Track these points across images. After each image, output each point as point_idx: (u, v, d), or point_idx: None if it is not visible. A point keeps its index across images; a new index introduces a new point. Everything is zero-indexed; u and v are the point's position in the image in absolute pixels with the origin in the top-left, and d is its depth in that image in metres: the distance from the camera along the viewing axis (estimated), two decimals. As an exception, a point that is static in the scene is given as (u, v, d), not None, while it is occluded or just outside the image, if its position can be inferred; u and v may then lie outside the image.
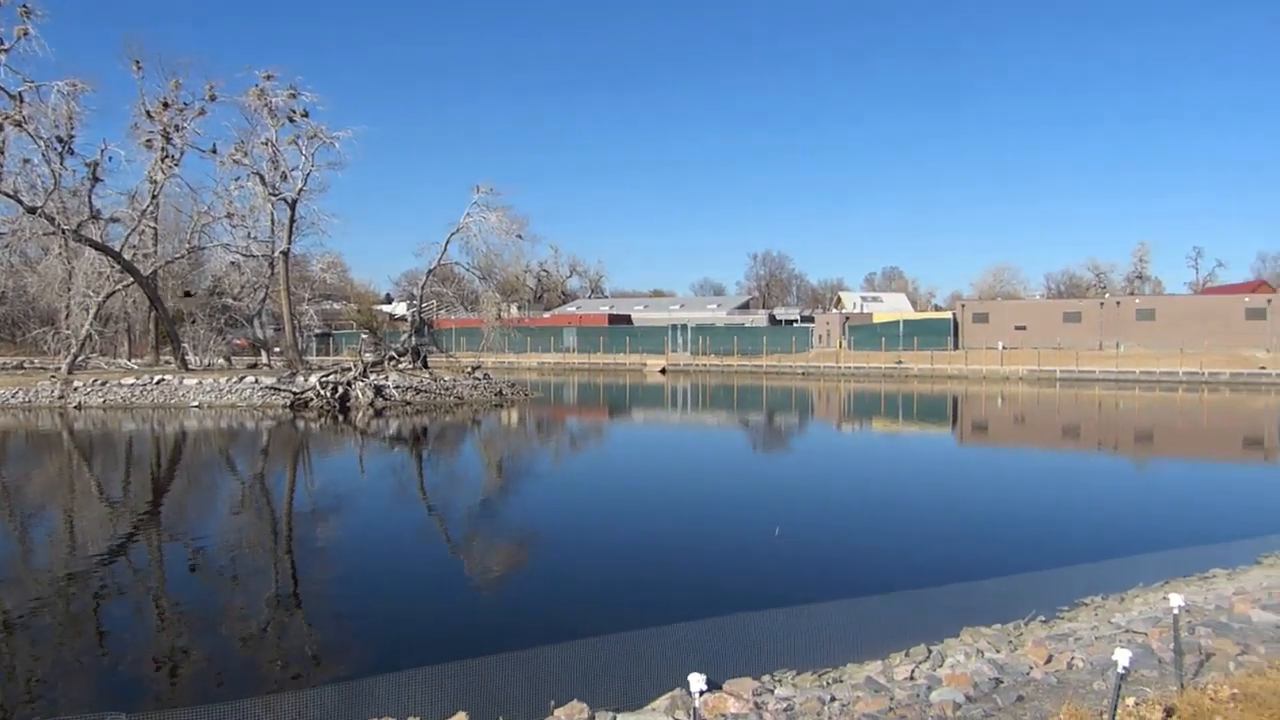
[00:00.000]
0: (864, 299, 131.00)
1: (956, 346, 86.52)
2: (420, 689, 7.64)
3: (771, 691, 7.97)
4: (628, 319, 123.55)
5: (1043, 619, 10.43)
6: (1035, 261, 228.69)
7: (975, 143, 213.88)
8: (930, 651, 9.18)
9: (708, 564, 13.91)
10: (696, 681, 6.00)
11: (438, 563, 14.76)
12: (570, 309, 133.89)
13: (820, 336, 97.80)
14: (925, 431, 38.52)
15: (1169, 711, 6.41)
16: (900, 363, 75.79)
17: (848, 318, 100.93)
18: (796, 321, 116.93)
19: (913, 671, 8.43)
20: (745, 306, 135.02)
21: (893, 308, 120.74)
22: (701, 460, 28.96)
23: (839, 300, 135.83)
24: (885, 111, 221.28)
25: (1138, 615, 10.03)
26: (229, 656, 9.93)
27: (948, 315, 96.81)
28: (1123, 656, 6.03)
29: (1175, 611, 7.44)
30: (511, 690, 7.82)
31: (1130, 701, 6.66)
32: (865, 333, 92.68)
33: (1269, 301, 78.06)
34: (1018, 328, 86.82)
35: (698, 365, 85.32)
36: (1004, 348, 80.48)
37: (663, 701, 7.68)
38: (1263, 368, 62.40)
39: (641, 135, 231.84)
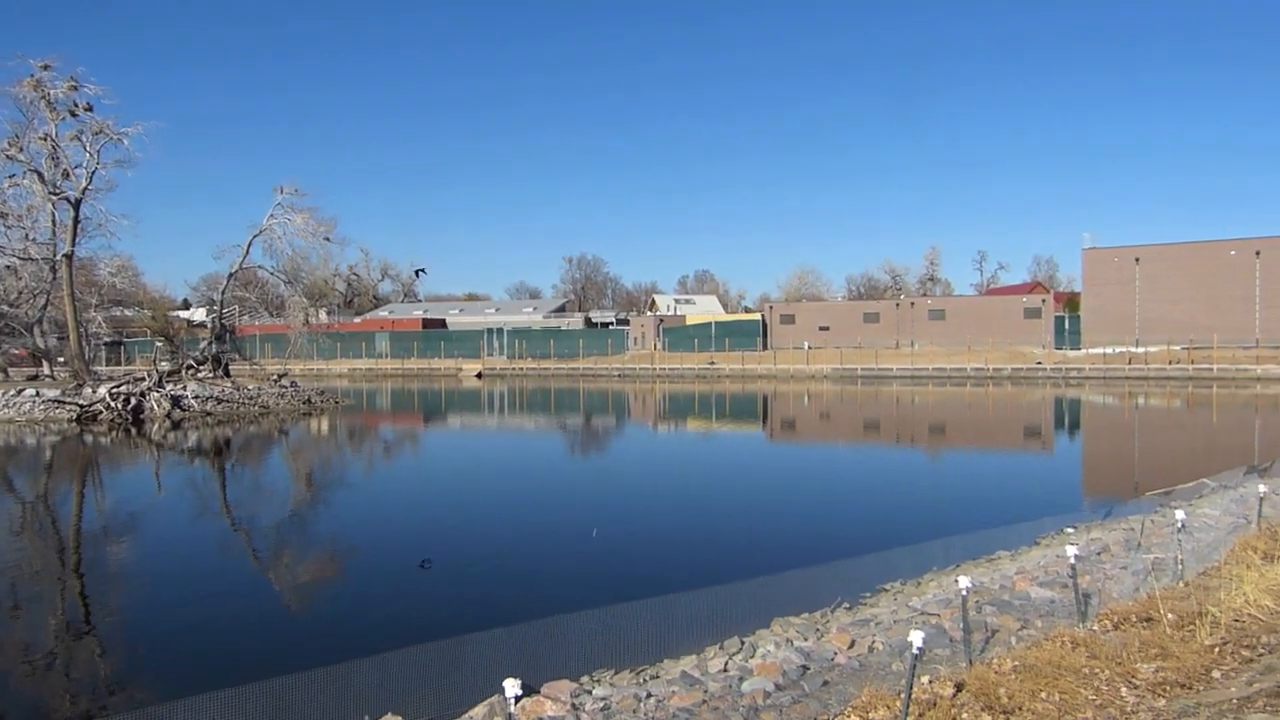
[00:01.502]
0: (677, 301, 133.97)
1: (766, 347, 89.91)
2: (224, 711, 7.27)
3: (589, 692, 8.05)
4: (443, 323, 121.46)
5: (847, 606, 11.01)
6: (837, 264, 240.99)
7: (780, 145, 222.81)
8: (743, 643, 9.51)
9: (525, 568, 13.93)
10: (512, 687, 5.99)
11: (242, 580, 14.08)
12: (383, 314, 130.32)
13: (635, 339, 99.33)
14: (736, 430, 39.84)
15: (959, 686, 6.92)
16: (713, 363, 78.07)
17: (662, 320, 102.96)
18: (612, 324, 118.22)
19: (726, 663, 8.72)
20: (561, 310, 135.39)
21: (705, 310, 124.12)
22: (518, 464, 28.90)
23: (653, 303, 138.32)
24: (693, 114, 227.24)
25: (932, 598, 10.76)
26: (11, 691, 9.14)
27: (757, 317, 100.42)
28: (917, 638, 6.46)
29: (964, 593, 8.02)
30: (322, 708, 7.55)
31: (925, 680, 7.14)
32: (679, 335, 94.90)
33: (1044, 302, 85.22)
34: (821, 328, 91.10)
35: (514, 369, 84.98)
36: (809, 347, 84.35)
37: (480, 710, 7.63)
38: (1039, 363, 68.27)
39: (452, 135, 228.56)
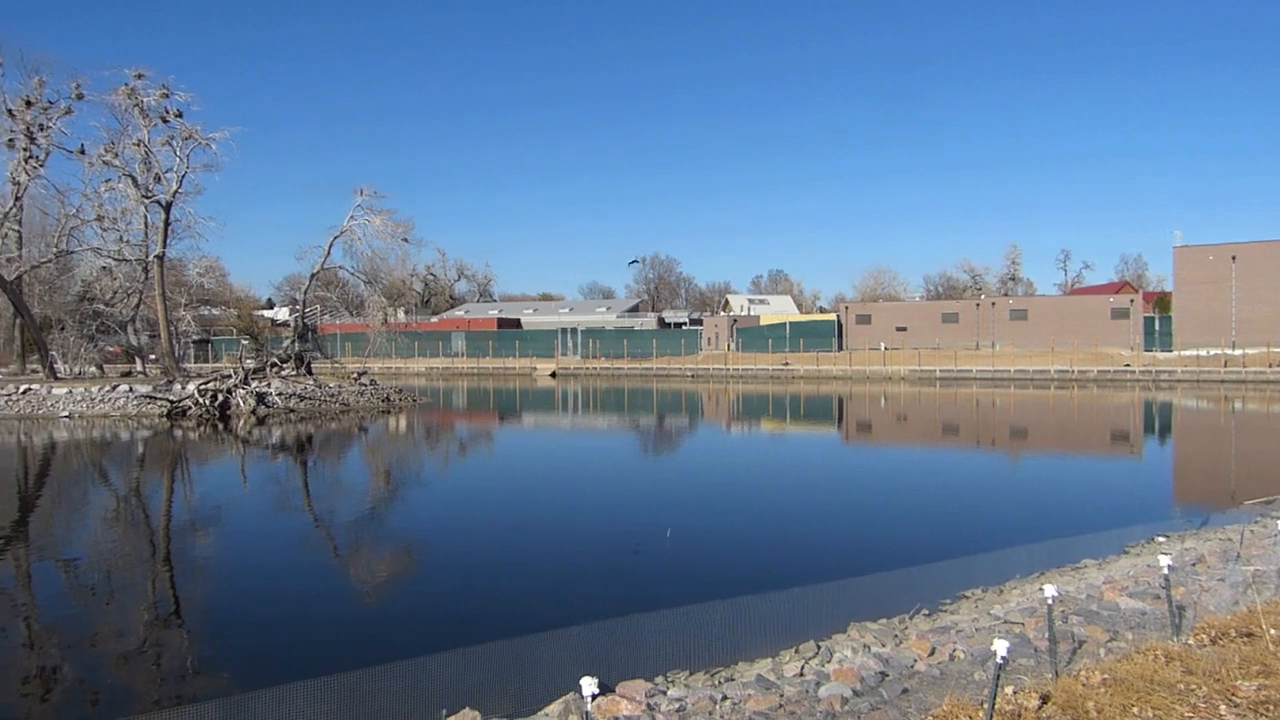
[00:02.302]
0: (751, 302, 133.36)
1: (841, 348, 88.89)
2: (306, 703, 7.42)
3: (664, 693, 8.01)
4: (517, 323, 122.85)
5: (926, 612, 10.78)
6: (914, 264, 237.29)
7: (856, 142, 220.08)
8: (819, 648, 9.37)
9: (599, 566, 13.93)
10: (588, 685, 5.99)
11: (323, 573, 14.38)
12: (458, 313, 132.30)
13: (709, 339, 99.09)
14: (811, 431, 39.44)
15: (1044, 698, 6.70)
16: (787, 364, 77.44)
17: (735, 320, 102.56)
18: (685, 324, 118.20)
19: (802, 668, 8.60)
20: (634, 310, 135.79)
21: (779, 310, 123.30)
22: (592, 463, 29.00)
23: (727, 303, 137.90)
24: (766, 111, 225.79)
25: (1015, 606, 10.47)
26: (104, 676, 9.47)
27: (832, 317, 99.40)
28: (1001, 647, 6.27)
29: (1049, 602, 7.77)
30: (402, 700, 7.67)
31: (1009, 690, 6.94)
32: (752, 335, 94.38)
33: (1131, 302, 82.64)
34: (899, 329, 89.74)
35: (587, 369, 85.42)
36: (886, 348, 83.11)
37: (555, 707, 7.65)
38: (1126, 365, 66.14)
39: (526, 135, 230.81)
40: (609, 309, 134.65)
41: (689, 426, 43.13)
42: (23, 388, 41.99)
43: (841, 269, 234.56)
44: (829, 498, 20.98)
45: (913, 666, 8.25)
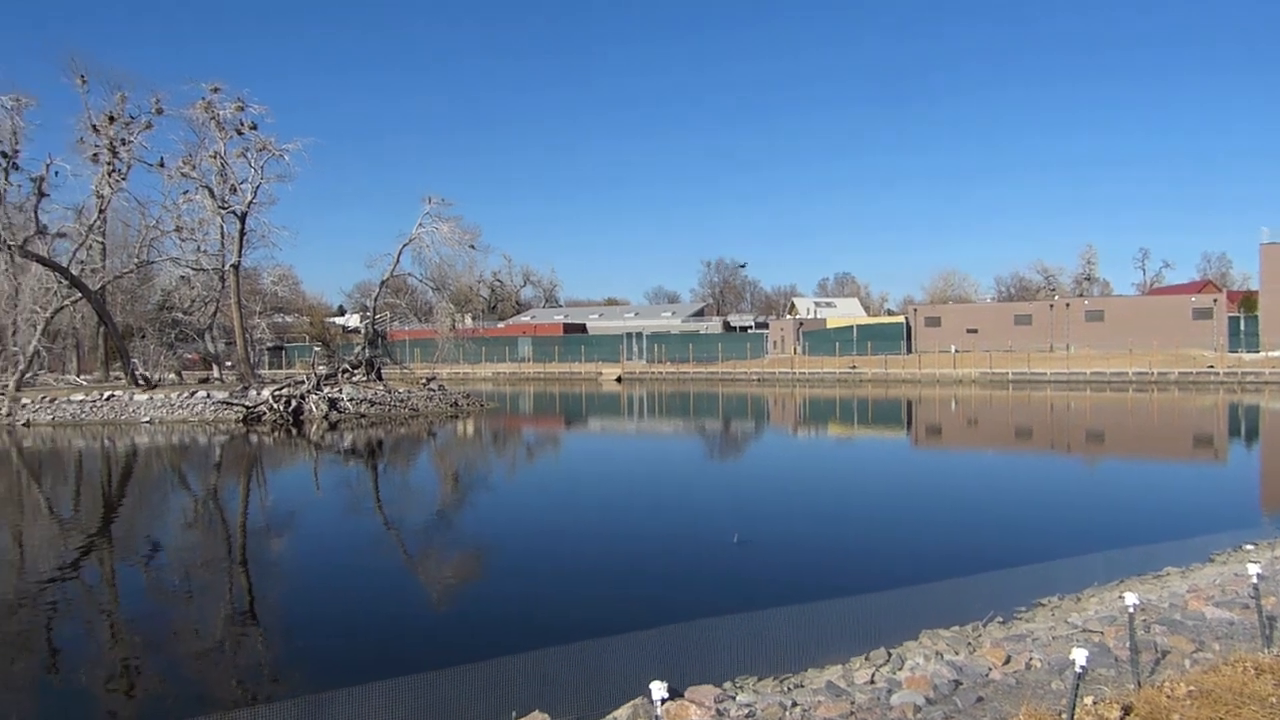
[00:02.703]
0: (817, 305, 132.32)
1: (909, 350, 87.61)
2: (379, 703, 7.54)
3: (733, 698, 7.95)
4: (583, 328, 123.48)
5: (1000, 620, 10.54)
6: (984, 265, 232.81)
7: (922, 145, 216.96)
8: (890, 655, 9.23)
9: (667, 571, 13.89)
10: (658, 690, 5.97)
11: (395, 575, 14.59)
12: (525, 319, 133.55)
13: (775, 343, 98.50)
14: (880, 436, 38.93)
15: (1126, 710, 6.50)
16: (854, 368, 76.56)
17: (801, 324, 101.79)
18: (751, 328, 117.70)
19: (873, 675, 8.47)
20: (700, 314, 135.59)
21: (846, 313, 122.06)
22: (658, 468, 28.97)
23: (792, 306, 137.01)
24: (831, 111, 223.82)
25: (1094, 614, 10.17)
26: (183, 674, 9.72)
27: (900, 320, 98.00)
28: (1080, 656, 6.10)
29: (1130, 610, 7.54)
30: (472, 702, 7.75)
31: (1088, 701, 6.74)
32: (819, 338, 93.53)
33: (1215, 301, 79.95)
34: (969, 331, 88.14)
35: (653, 373, 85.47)
36: (956, 351, 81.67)
37: (624, 711, 7.64)
38: (1210, 367, 63.91)
39: (590, 140, 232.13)
40: (674, 313, 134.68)
41: (755, 431, 42.89)
42: (106, 394, 43.45)
43: (910, 271, 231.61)
44: (898, 502, 20.66)
45: (987, 675, 8.07)
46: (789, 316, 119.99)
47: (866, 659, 9.13)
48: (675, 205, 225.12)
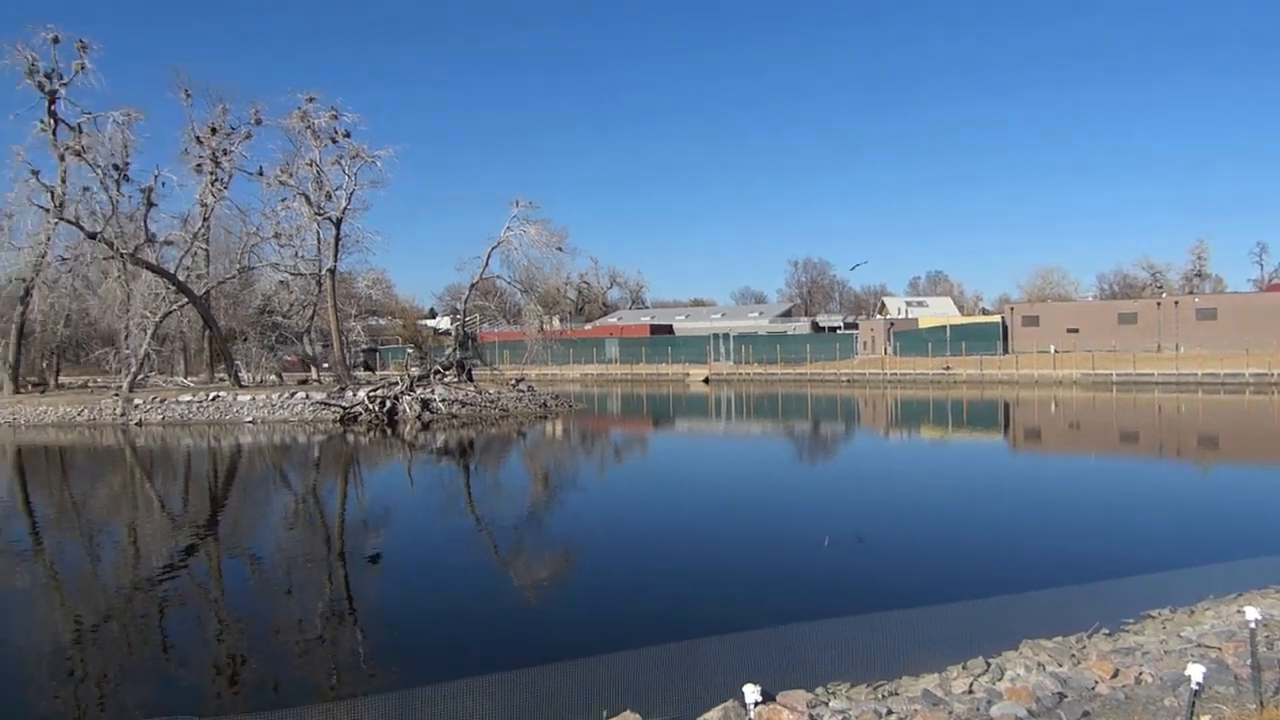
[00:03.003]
0: (909, 304, 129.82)
1: (1006, 351, 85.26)
2: (475, 698, 7.64)
3: (826, 704, 7.81)
4: (669, 329, 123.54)
5: (1106, 632, 10.14)
6: (1085, 262, 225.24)
7: (1018, 140, 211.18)
8: (989, 664, 8.95)
9: (757, 573, 13.75)
10: (751, 693, 5.91)
11: (487, 573, 14.78)
12: (611, 320, 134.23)
13: (864, 343, 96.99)
14: (976, 438, 37.96)
15: (1246, 728, 6.17)
16: (948, 368, 74.86)
17: (892, 324, 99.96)
18: (840, 328, 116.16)
19: (971, 685, 8.23)
20: (787, 314, 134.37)
21: (939, 312, 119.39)
22: (746, 469, 28.75)
23: (883, 306, 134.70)
24: (922, 108, 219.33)
25: (1209, 629, 9.70)
26: (285, 665, 10.01)
27: (996, 319, 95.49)
28: (1196, 672, 5.82)
29: (1251, 625, 7.16)
30: (564, 699, 7.79)
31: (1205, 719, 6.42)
32: (911, 339, 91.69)
33: (1339, 297, 75.79)
34: (1070, 330, 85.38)
35: (740, 374, 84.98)
36: (1055, 351, 79.20)
37: (716, 713, 7.58)
38: (1334, 366, 60.39)
39: (676, 140, 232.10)
40: (761, 314, 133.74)
41: (845, 433, 42.28)
42: (212, 395, 45.15)
43: (1006, 269, 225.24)
44: (996, 507, 20.07)
45: (1093, 689, 7.76)
46: (879, 316, 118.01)
47: (964, 668, 8.88)
48: (762, 205, 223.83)
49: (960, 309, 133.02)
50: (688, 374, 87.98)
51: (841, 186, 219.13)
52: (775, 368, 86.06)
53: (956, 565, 14.34)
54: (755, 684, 5.96)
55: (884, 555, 15.10)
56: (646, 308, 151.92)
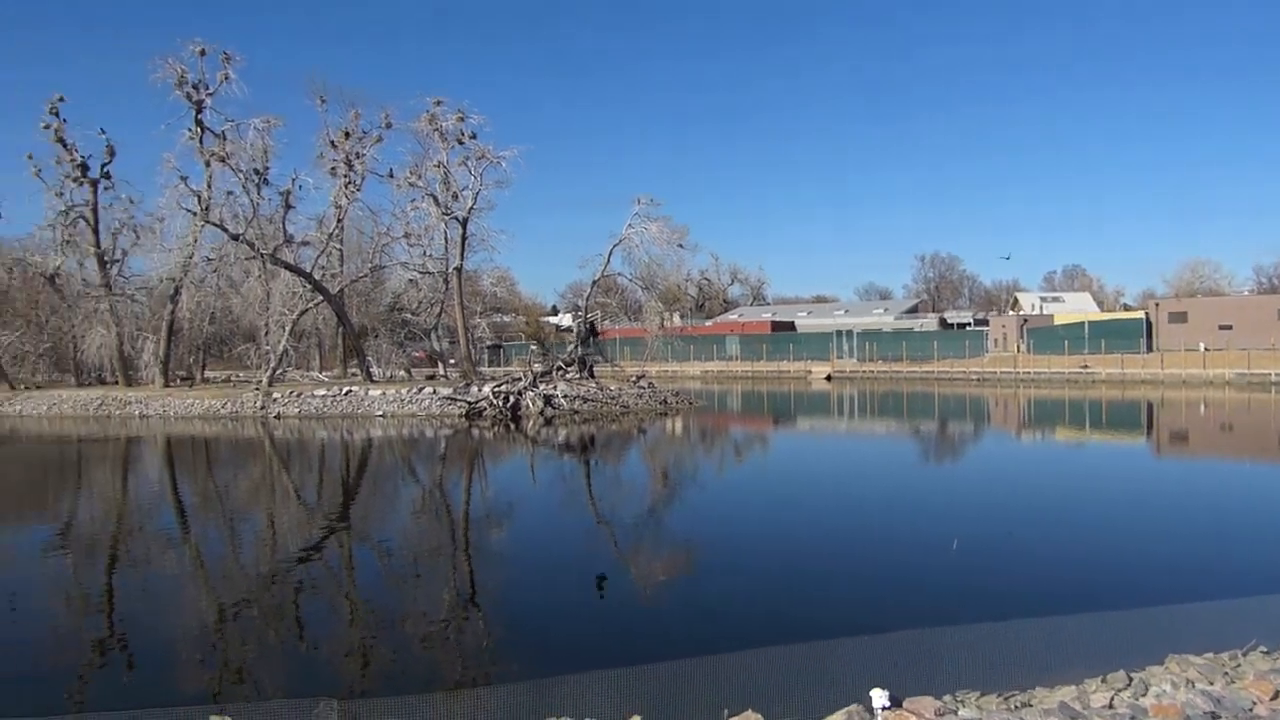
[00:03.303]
0: (1043, 299, 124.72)
1: (1150, 349, 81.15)
2: (598, 691, 7.65)
3: (955, 712, 7.50)
4: (791, 326, 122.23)
5: (1264, 650, 9.45)
6: (1239, 255, 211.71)
7: (1161, 129, 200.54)
8: (1131, 679, 8.45)
9: (882, 576, 13.37)
10: (879, 697, 5.74)
11: (609, 568, 14.83)
12: (732, 317, 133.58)
13: (996, 340, 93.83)
14: (1117, 441, 36.17)
15: None
16: (1085, 367, 71.71)
17: (1026, 320, 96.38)
18: (969, 325, 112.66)
19: (1111, 700, 7.78)
20: (913, 310, 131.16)
21: (1076, 308, 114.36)
22: (871, 468, 28.11)
23: (1015, 302, 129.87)
24: (1055, 96, 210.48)
25: (1383, 647, 8.94)
26: (412, 652, 10.26)
27: (1139, 315, 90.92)
28: (1371, 693, 5.33)
29: None
30: (686, 696, 7.74)
31: (1381, 745, 5.89)
32: (1045, 335, 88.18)
33: None
34: (1222, 327, 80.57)
35: (864, 372, 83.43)
36: (1206, 349, 74.89)
37: (840, 716, 7.36)
38: None
39: (796, 135, 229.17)
40: (886, 310, 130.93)
41: (975, 432, 40.94)
42: (345, 389, 46.96)
43: (1150, 263, 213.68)
44: (1138, 513, 19.01)
45: (1251, 710, 7.22)
46: (1011, 312, 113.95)
47: (1103, 681, 8.40)
48: (888, 199, 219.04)
49: (1099, 305, 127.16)
50: (810, 371, 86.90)
51: (971, 179, 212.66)
52: (901, 365, 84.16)
53: (1094, 572, 13.63)
54: (882, 688, 5.76)
55: (1016, 560, 14.49)
56: (768, 304, 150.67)
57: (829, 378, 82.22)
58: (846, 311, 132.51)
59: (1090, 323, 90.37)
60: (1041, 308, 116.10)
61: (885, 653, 8.46)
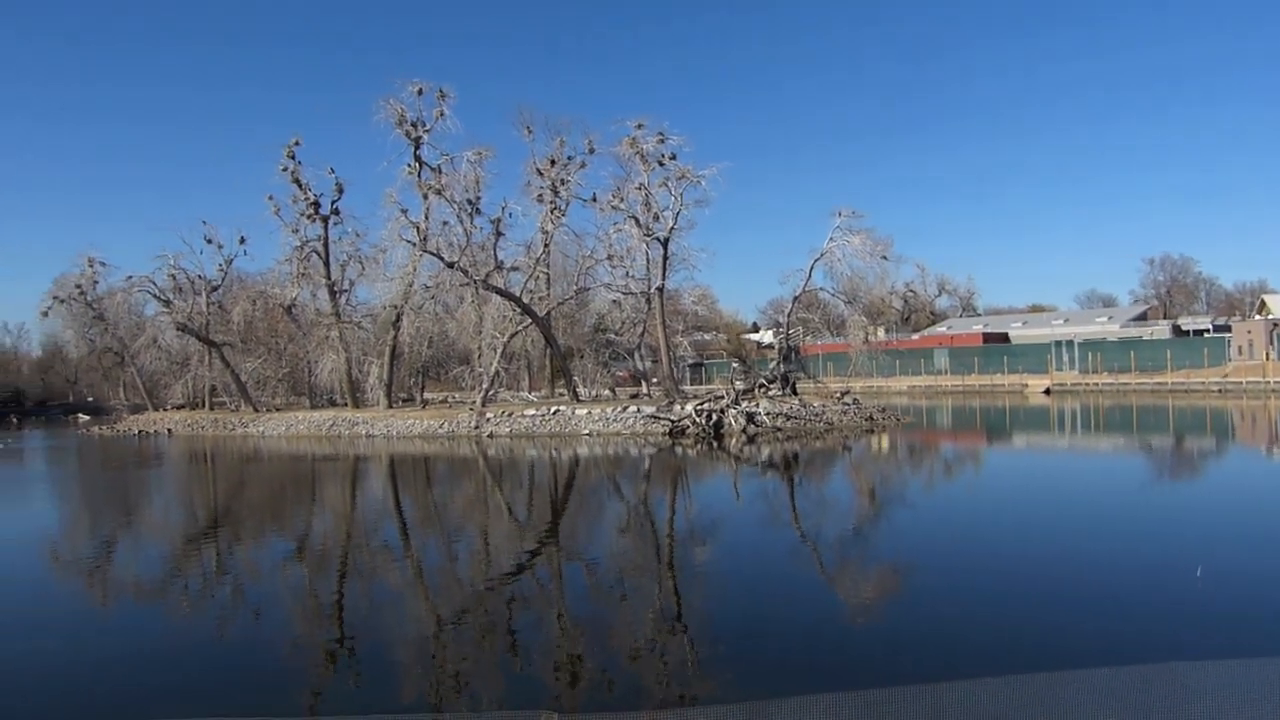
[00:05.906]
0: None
1: None
2: (814, 715, 7.43)
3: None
4: (1004, 337, 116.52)
5: None
6: None
7: None
8: None
9: (1112, 604, 12.24)
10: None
11: (815, 588, 14.46)
12: (940, 329, 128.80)
13: (1239, 348, 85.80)
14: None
15: None
16: (1349, 375, 64.25)
17: (1275, 324, 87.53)
18: (1208, 331, 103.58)
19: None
20: (1142, 318, 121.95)
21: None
22: (1098, 488, 26.08)
23: (1263, 304, 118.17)
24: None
25: None
26: (619, 668, 10.30)
27: None
28: None
29: None
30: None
31: None
32: (1299, 341, 79.68)
33: None
34: None
35: (1087, 384, 78.28)
36: None
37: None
38: None
39: (1003, 138, 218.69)
40: (1110, 318, 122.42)
41: (1218, 449, 37.41)
42: (553, 409, 48.47)
43: None
44: None
45: None
46: (1258, 317, 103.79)
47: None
48: (1107, 201, 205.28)
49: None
50: (1026, 384, 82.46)
51: (1203, 177, 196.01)
52: (1128, 376, 78.44)
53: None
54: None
55: (1267, 589, 12.95)
56: (979, 315, 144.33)
57: (1048, 391, 77.62)
58: (1066, 320, 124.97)
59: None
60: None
61: (1126, 688, 7.70)
